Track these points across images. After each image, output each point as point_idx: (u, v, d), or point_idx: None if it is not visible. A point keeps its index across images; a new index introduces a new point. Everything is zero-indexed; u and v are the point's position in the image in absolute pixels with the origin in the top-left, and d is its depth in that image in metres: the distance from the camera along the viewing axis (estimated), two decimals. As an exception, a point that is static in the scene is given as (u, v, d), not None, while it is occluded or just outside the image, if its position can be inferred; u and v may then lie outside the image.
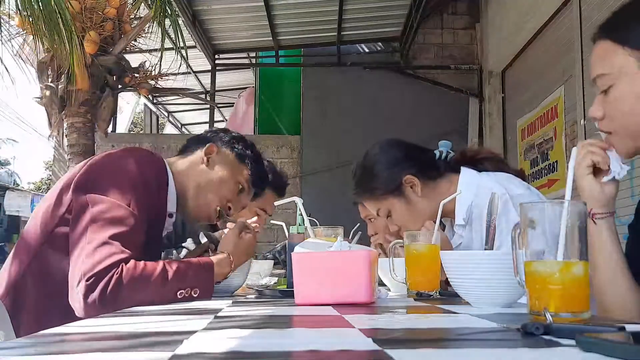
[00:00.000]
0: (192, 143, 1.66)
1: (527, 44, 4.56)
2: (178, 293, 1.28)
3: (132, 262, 1.23)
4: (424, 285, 1.37)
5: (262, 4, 5.12)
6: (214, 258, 1.40)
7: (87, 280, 1.18)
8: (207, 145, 1.60)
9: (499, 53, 5.30)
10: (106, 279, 1.19)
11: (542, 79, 4.35)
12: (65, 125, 4.98)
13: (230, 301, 1.26)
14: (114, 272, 1.20)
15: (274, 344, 0.61)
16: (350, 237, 2.35)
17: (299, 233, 1.57)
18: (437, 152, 1.70)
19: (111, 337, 0.70)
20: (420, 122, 5.41)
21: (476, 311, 0.97)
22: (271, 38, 5.86)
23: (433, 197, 1.58)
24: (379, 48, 6.23)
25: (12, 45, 4.82)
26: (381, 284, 1.54)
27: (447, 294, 1.39)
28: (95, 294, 1.18)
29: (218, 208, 1.59)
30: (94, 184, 1.34)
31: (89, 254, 1.22)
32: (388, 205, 1.64)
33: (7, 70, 4.30)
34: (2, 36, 4.10)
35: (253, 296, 1.48)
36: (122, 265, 1.21)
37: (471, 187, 1.56)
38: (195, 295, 1.31)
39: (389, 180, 1.63)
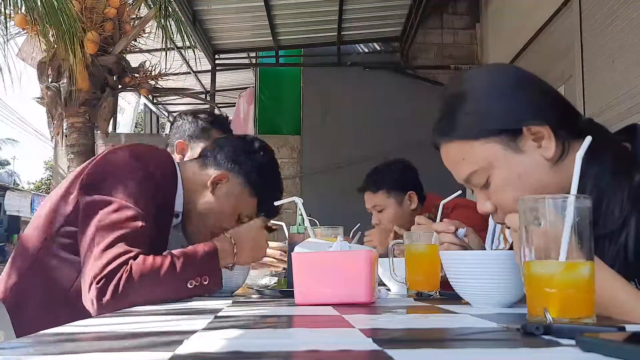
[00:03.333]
0: (211, 156, 1.57)
1: (527, 44, 4.56)
2: (189, 283, 1.27)
3: (140, 257, 1.23)
4: (424, 285, 1.37)
5: (262, 4, 5.12)
6: (217, 243, 1.37)
7: (97, 283, 1.19)
8: (219, 171, 1.52)
9: (499, 53, 5.30)
10: (116, 279, 1.19)
11: (542, 79, 4.35)
12: (65, 125, 4.98)
13: (230, 301, 1.26)
14: (123, 271, 1.20)
15: (274, 344, 0.61)
16: (350, 237, 2.35)
17: (299, 233, 1.57)
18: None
19: (111, 337, 0.70)
20: (420, 122, 5.37)
21: (476, 311, 0.97)
22: (271, 38, 5.86)
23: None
24: (379, 48, 6.23)
25: (12, 45, 4.82)
26: (381, 284, 1.54)
27: (447, 294, 1.39)
28: (107, 296, 1.18)
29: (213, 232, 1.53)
30: (100, 184, 1.34)
31: (97, 257, 1.22)
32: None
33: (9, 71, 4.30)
34: (6, 36, 4.10)
35: (253, 296, 1.48)
36: (131, 262, 1.22)
37: None
38: (205, 284, 1.30)
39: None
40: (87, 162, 1.46)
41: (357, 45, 6.19)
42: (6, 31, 4.61)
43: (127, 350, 0.58)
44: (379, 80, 5.88)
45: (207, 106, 6.52)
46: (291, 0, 5.21)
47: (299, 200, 1.47)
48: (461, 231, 1.26)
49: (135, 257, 1.23)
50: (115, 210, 1.28)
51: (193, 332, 0.69)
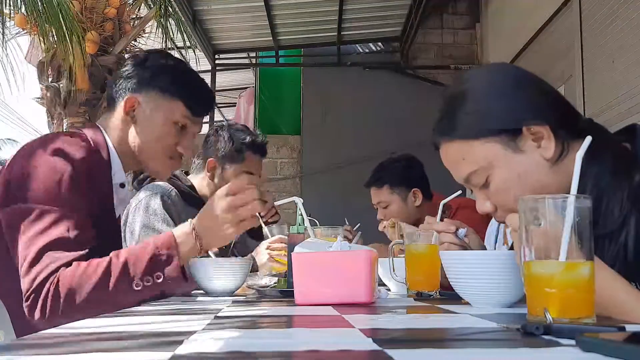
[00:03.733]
0: (110, 89, 1.45)
1: (527, 44, 4.56)
2: (135, 285, 1.15)
3: (73, 265, 1.13)
4: (424, 285, 1.37)
5: (262, 4, 5.12)
6: (176, 233, 1.24)
7: (26, 300, 1.12)
8: (124, 99, 1.40)
9: (499, 53, 5.30)
10: (43, 294, 1.11)
11: (542, 79, 4.35)
12: (65, 125, 4.98)
13: (230, 301, 1.26)
14: (50, 284, 1.11)
15: (274, 344, 0.61)
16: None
17: (299, 233, 1.57)
18: None
19: (111, 337, 0.70)
20: (420, 122, 5.38)
21: (476, 311, 0.97)
22: (271, 38, 5.86)
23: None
24: (379, 48, 6.23)
25: (13, 45, 4.82)
26: (381, 284, 1.54)
27: (447, 294, 1.39)
28: (37, 312, 1.11)
29: (169, 156, 1.45)
30: (19, 192, 1.21)
31: (25, 272, 1.14)
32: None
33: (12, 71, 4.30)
34: (6, 36, 4.10)
35: (253, 296, 1.48)
36: (60, 272, 1.12)
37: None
38: (159, 282, 1.16)
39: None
40: (2, 167, 1.31)
41: (357, 45, 6.19)
42: (4, 31, 4.61)
43: (127, 350, 0.58)
44: (379, 80, 5.88)
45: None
46: (291, 0, 5.21)
47: (299, 200, 1.47)
48: (461, 231, 1.26)
49: (68, 265, 1.13)
50: (37, 219, 1.17)
51: (193, 332, 0.69)
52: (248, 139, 2.16)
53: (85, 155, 1.30)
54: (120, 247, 1.41)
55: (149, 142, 1.42)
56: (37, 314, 1.11)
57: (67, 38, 4.16)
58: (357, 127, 5.70)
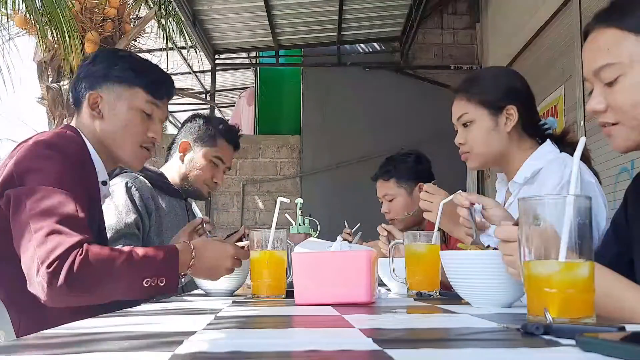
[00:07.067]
0: (73, 94, 1.53)
1: (527, 44, 4.56)
2: (144, 281, 1.21)
3: (95, 245, 1.18)
4: (424, 285, 1.37)
5: (262, 4, 5.12)
6: (179, 246, 1.32)
7: (48, 267, 1.12)
8: (87, 96, 1.48)
9: (499, 53, 5.30)
10: (70, 260, 1.12)
11: (542, 79, 4.35)
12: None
13: (230, 301, 1.26)
14: (77, 253, 1.14)
15: (274, 344, 0.61)
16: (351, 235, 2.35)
17: (299, 233, 1.57)
18: (542, 120, 1.65)
19: (111, 337, 0.70)
20: (421, 122, 5.40)
21: (476, 311, 0.97)
22: (271, 38, 5.86)
23: (513, 143, 1.54)
24: (379, 48, 6.23)
25: (13, 45, 4.82)
26: (381, 284, 1.54)
27: (447, 294, 1.39)
28: (61, 278, 1.12)
29: (144, 145, 1.52)
30: (21, 178, 1.25)
31: (41, 243, 1.15)
32: (476, 115, 1.54)
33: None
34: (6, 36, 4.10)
35: (253, 296, 1.48)
36: (86, 246, 1.15)
37: (547, 156, 1.51)
38: (161, 285, 1.24)
39: (497, 95, 1.55)
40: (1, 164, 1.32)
41: (357, 45, 6.19)
42: (4, 31, 4.61)
43: (127, 350, 0.58)
44: (379, 80, 5.88)
45: (208, 106, 6.51)
46: (291, 0, 5.21)
47: (298, 201, 1.48)
48: (477, 206, 1.24)
49: (88, 242, 1.17)
50: (46, 196, 1.20)
51: (193, 332, 0.69)
52: (222, 126, 2.17)
53: (78, 149, 1.38)
54: (106, 242, 1.46)
55: (117, 131, 1.48)
56: (60, 279, 1.12)
57: (68, 38, 4.16)
58: (357, 127, 5.70)
